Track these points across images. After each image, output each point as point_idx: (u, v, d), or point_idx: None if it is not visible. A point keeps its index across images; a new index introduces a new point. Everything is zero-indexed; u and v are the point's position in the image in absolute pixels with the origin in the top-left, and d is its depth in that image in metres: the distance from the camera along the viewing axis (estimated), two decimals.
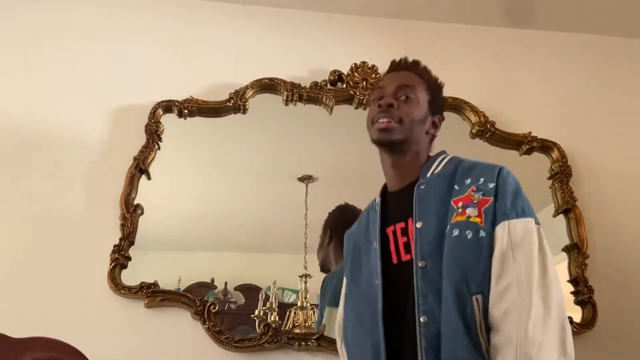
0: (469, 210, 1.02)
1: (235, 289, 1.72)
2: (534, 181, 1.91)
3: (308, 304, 1.67)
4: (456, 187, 1.08)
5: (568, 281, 1.72)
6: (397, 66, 1.26)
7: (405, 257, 1.08)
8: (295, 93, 1.90)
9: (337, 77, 1.95)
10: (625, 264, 1.78)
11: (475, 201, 1.03)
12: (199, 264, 1.75)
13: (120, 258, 1.57)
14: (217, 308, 1.56)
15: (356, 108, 1.93)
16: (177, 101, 1.83)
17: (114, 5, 2.04)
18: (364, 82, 1.94)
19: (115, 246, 1.59)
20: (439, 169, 1.16)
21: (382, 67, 1.96)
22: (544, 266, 0.98)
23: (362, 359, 1.08)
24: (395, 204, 1.17)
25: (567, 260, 1.75)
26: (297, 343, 1.56)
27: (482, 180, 1.06)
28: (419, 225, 1.06)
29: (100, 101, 1.84)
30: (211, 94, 1.88)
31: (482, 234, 1.00)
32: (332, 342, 1.56)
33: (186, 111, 1.83)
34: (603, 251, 1.77)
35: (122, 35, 1.98)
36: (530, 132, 1.93)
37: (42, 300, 1.53)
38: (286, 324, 1.63)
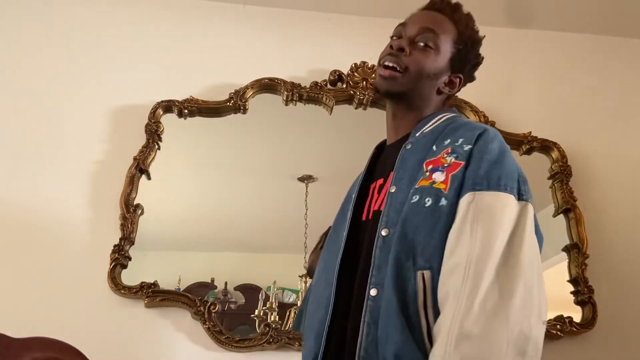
0: (435, 175, 0.89)
1: (235, 289, 1.72)
2: (534, 181, 1.88)
3: None
4: (434, 147, 0.94)
5: (568, 281, 1.72)
6: (432, 4, 1.09)
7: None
8: (295, 93, 1.90)
9: (337, 77, 1.95)
10: (625, 263, 1.78)
11: (445, 165, 0.89)
12: (199, 264, 1.75)
13: (120, 258, 1.57)
14: (217, 308, 1.56)
15: (356, 108, 1.93)
16: (177, 101, 1.83)
17: (114, 5, 2.04)
18: (364, 82, 1.94)
19: (115, 246, 1.58)
20: (431, 127, 1.02)
21: None
22: (514, 251, 0.80)
23: (315, 308, 1.00)
24: (384, 159, 1.06)
25: (567, 260, 1.75)
26: (297, 343, 1.55)
27: (460, 141, 0.92)
28: (392, 189, 0.93)
29: (100, 101, 1.84)
30: (211, 94, 1.88)
31: (443, 202, 0.85)
32: None
33: (186, 111, 1.83)
34: (603, 251, 1.77)
35: (122, 35, 1.98)
36: (530, 132, 1.93)
37: (42, 300, 1.53)
38: (286, 324, 1.63)
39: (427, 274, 0.82)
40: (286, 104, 1.91)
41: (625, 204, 1.89)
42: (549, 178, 1.89)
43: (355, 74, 1.96)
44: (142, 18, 2.03)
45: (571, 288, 1.71)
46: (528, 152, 1.92)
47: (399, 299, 0.81)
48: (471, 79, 1.12)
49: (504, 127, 1.94)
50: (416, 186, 0.90)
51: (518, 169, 0.93)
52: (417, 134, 1.02)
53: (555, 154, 1.90)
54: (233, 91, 1.87)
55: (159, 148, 1.77)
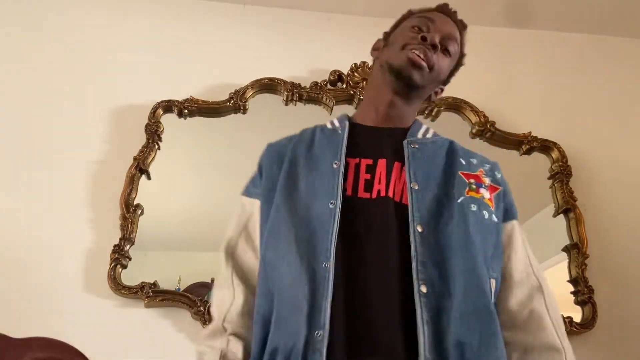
0: (482, 191, 0.97)
1: None
2: (534, 181, 1.91)
3: None
4: (462, 161, 1.01)
5: (568, 281, 1.72)
6: (449, 13, 1.13)
7: (363, 194, 0.94)
8: (295, 93, 1.90)
9: (337, 77, 1.95)
10: (625, 263, 1.78)
11: (485, 184, 0.98)
12: (199, 264, 1.74)
13: (120, 258, 1.57)
14: None
15: (356, 108, 1.93)
16: (177, 101, 1.83)
17: (114, 5, 2.04)
18: (364, 82, 1.94)
19: (115, 246, 1.58)
20: (429, 135, 1.07)
21: None
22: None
23: (288, 284, 0.88)
24: (366, 139, 1.04)
25: (567, 260, 1.75)
26: None
27: (487, 166, 1.03)
28: (415, 186, 0.93)
29: (100, 101, 1.84)
30: (211, 94, 1.88)
31: (495, 218, 0.96)
32: None
33: (186, 111, 1.83)
34: (603, 251, 1.77)
35: (122, 35, 1.98)
36: (530, 132, 1.93)
37: (42, 300, 1.53)
38: None
39: (493, 282, 0.91)
40: (286, 104, 1.91)
41: (625, 204, 1.89)
42: (549, 178, 1.89)
43: (355, 74, 1.95)
44: (142, 18, 2.03)
45: (571, 288, 1.71)
46: (528, 152, 1.92)
47: (480, 302, 0.85)
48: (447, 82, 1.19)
49: (504, 127, 1.94)
50: (466, 194, 0.95)
51: None
52: (418, 136, 1.05)
53: (555, 154, 1.90)
54: (233, 91, 1.87)
55: (159, 148, 1.77)
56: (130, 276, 1.57)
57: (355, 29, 2.10)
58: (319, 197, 0.93)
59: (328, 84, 1.94)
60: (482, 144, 1.93)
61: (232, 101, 1.86)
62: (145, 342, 1.52)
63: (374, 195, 0.94)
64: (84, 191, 1.69)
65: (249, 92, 1.88)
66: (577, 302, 1.69)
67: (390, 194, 0.93)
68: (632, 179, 1.94)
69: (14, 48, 1.91)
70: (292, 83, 1.91)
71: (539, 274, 0.99)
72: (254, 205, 1.06)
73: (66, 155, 1.74)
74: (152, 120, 1.79)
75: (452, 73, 1.15)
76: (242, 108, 1.86)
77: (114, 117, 1.82)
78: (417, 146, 1.01)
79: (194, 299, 1.56)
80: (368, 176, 0.96)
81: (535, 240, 1.86)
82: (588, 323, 1.65)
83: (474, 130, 1.93)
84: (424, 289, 0.83)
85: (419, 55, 1.02)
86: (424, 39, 1.03)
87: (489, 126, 1.92)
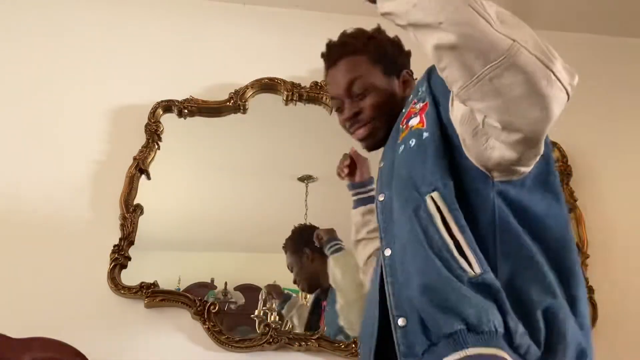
0: (411, 122, 0.93)
1: (235, 289, 1.72)
2: None
3: (308, 304, 1.67)
4: (403, 110, 1.01)
5: None
6: (330, 60, 1.15)
7: None
8: (295, 93, 1.90)
9: None
10: (625, 263, 1.78)
11: (416, 112, 0.93)
12: (199, 264, 1.74)
13: (120, 258, 1.57)
14: (217, 308, 1.56)
15: None
16: (177, 101, 1.83)
17: (114, 5, 2.04)
18: None
19: (115, 246, 1.58)
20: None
21: None
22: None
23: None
24: None
25: None
26: (297, 343, 1.55)
27: (419, 90, 0.97)
28: (380, 164, 0.99)
29: (100, 101, 1.83)
30: (211, 94, 1.88)
31: (425, 134, 0.87)
32: (332, 342, 1.56)
33: (186, 111, 1.83)
34: (603, 251, 1.77)
35: (122, 35, 1.98)
36: None
37: (42, 300, 1.53)
38: (285, 325, 1.63)
39: (435, 194, 0.81)
40: (286, 104, 1.91)
41: (626, 204, 1.89)
42: None
43: None
44: (142, 18, 2.03)
45: None
46: None
47: (413, 232, 0.80)
48: (409, 56, 1.17)
49: None
50: (398, 141, 0.94)
51: None
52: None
53: (555, 154, 1.90)
54: (233, 91, 1.87)
55: (158, 148, 1.77)
56: (130, 276, 1.57)
57: None
58: None
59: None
60: None
61: (232, 101, 1.86)
62: (145, 342, 1.52)
63: None
64: (84, 191, 1.69)
65: (249, 92, 1.88)
66: None
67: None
68: (632, 179, 1.94)
69: (14, 48, 1.91)
70: (292, 83, 1.91)
71: None
72: None
73: (66, 155, 1.74)
74: (152, 120, 1.79)
75: (390, 60, 1.12)
76: (242, 108, 1.86)
77: (114, 117, 1.82)
78: (394, 133, 1.02)
79: (194, 299, 1.56)
80: None
81: None
82: None
83: None
84: (387, 252, 0.84)
85: (359, 133, 1.09)
86: (346, 120, 1.10)
87: None
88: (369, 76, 1.09)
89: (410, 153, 0.88)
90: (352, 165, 1.25)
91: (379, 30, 1.17)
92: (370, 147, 1.10)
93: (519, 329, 0.72)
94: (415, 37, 0.77)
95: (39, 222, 1.64)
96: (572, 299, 0.80)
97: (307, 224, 1.73)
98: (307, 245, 1.69)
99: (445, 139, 0.86)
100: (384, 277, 0.83)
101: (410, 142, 0.89)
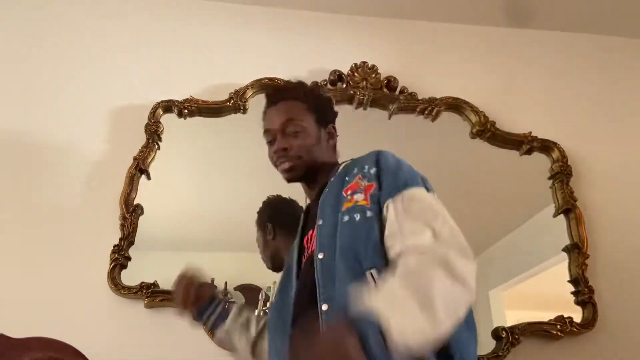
0: (356, 196, 1.05)
1: (235, 289, 1.71)
2: (534, 181, 1.91)
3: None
4: (347, 178, 1.11)
5: (568, 281, 1.72)
6: (272, 99, 1.27)
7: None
8: None
9: (337, 77, 1.94)
10: (625, 263, 1.78)
11: (361, 188, 1.06)
12: (199, 264, 1.74)
13: (120, 258, 1.57)
14: None
15: (356, 108, 1.93)
16: (177, 101, 1.83)
17: (114, 5, 2.04)
18: (364, 82, 1.94)
19: (115, 246, 1.58)
20: (337, 172, 1.18)
21: (382, 67, 1.97)
22: (436, 211, 0.98)
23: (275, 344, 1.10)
24: (311, 214, 1.19)
25: (568, 261, 1.74)
26: None
27: (365, 167, 1.09)
28: (319, 222, 1.08)
29: (100, 101, 1.84)
30: (211, 94, 1.88)
31: (370, 214, 1.01)
32: None
33: (186, 111, 1.83)
34: (603, 251, 1.77)
35: (122, 35, 1.98)
36: (530, 132, 1.93)
37: (42, 300, 1.53)
38: None
39: (374, 272, 0.94)
40: None
41: (626, 204, 1.89)
42: (549, 178, 1.89)
43: (355, 74, 1.95)
44: (142, 18, 2.03)
45: (571, 288, 1.71)
46: (528, 152, 1.92)
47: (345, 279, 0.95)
48: (335, 115, 1.32)
49: (504, 127, 1.94)
50: (342, 209, 1.05)
51: (418, 172, 1.09)
52: (331, 180, 1.17)
53: (555, 154, 1.90)
54: (233, 91, 1.87)
55: (158, 148, 1.77)
56: (130, 276, 1.57)
57: (355, 29, 2.10)
58: (288, 286, 1.12)
59: (328, 84, 1.94)
60: (482, 144, 1.93)
61: (232, 101, 1.86)
62: (145, 342, 1.52)
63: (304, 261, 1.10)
64: (84, 191, 1.69)
65: (249, 92, 1.88)
66: (577, 302, 1.69)
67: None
68: (632, 179, 1.94)
69: (14, 48, 1.91)
70: None
71: (404, 242, 0.94)
72: None
73: (66, 155, 1.74)
74: (152, 120, 1.79)
75: (322, 113, 1.26)
76: (242, 108, 1.86)
77: (113, 117, 1.82)
78: (327, 190, 1.14)
79: None
80: (311, 244, 1.10)
81: (535, 241, 1.87)
82: (588, 323, 1.65)
83: (474, 130, 1.93)
84: (324, 306, 0.95)
85: (284, 166, 1.20)
86: (275, 152, 1.21)
87: (489, 126, 1.92)
88: (303, 121, 1.21)
89: (356, 227, 1.00)
90: (189, 292, 1.23)
91: (317, 86, 1.36)
92: (290, 180, 1.22)
93: None
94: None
95: (39, 222, 1.64)
96: None
97: (279, 196, 1.67)
98: (270, 220, 1.63)
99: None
100: (320, 327, 0.93)
101: (356, 216, 1.02)
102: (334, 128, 1.29)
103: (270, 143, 1.24)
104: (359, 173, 1.10)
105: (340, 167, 1.20)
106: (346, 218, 1.03)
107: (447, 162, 1.90)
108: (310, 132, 1.22)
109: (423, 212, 0.97)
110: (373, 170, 1.08)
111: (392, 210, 0.99)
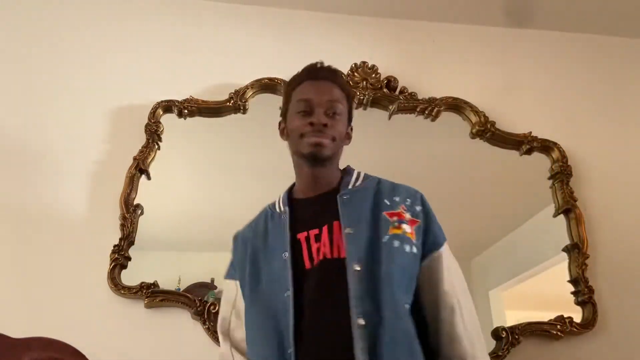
0: (404, 227, 1.10)
1: None
2: (534, 181, 1.91)
3: None
4: (386, 201, 1.14)
5: (568, 281, 1.72)
6: (319, 74, 1.23)
7: (309, 266, 1.08)
8: None
9: None
10: (625, 263, 1.78)
11: (406, 219, 1.11)
12: (199, 264, 1.74)
13: (120, 258, 1.57)
14: (217, 308, 1.55)
15: (356, 108, 1.93)
16: (177, 101, 1.83)
17: (114, 5, 2.04)
18: (364, 82, 1.94)
19: (115, 246, 1.58)
20: (359, 182, 1.19)
21: (382, 67, 1.97)
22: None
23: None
24: (306, 211, 1.16)
25: (568, 261, 1.74)
26: None
27: (409, 201, 1.15)
28: (349, 231, 1.07)
29: (100, 101, 1.84)
30: (211, 94, 1.88)
31: (415, 250, 1.09)
32: None
33: (186, 111, 1.83)
34: (603, 251, 1.77)
35: (122, 35, 1.98)
36: (530, 132, 1.93)
37: (42, 300, 1.53)
38: None
39: (408, 307, 1.04)
40: None
41: (626, 204, 1.89)
42: (549, 178, 1.89)
43: (355, 74, 1.95)
44: (142, 18, 2.03)
45: (571, 288, 1.71)
46: (528, 152, 1.92)
47: (413, 326, 1.02)
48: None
49: (504, 127, 1.94)
50: (390, 232, 1.08)
51: None
52: (348, 187, 1.17)
53: (555, 154, 1.90)
54: (233, 91, 1.87)
55: (158, 148, 1.77)
56: (130, 276, 1.57)
57: (355, 29, 2.10)
58: (277, 289, 1.06)
59: None
60: (482, 144, 1.93)
61: (232, 101, 1.86)
62: (145, 342, 1.52)
63: (315, 263, 1.07)
64: (83, 191, 1.69)
65: (249, 92, 1.88)
66: (577, 302, 1.69)
67: (335, 254, 1.06)
68: (632, 179, 1.94)
69: (14, 48, 1.91)
70: None
71: (459, 293, 1.12)
72: (237, 286, 1.20)
73: (66, 155, 1.74)
74: (152, 120, 1.79)
75: (351, 109, 1.26)
76: (242, 108, 1.86)
77: (113, 117, 1.82)
78: (347, 196, 1.14)
79: (194, 299, 1.56)
80: (318, 245, 1.09)
81: (535, 241, 1.87)
82: (588, 323, 1.65)
83: (474, 130, 1.93)
84: (361, 321, 0.97)
85: (317, 140, 1.14)
86: (312, 124, 1.15)
87: (489, 126, 1.92)
88: (342, 108, 1.20)
89: (407, 258, 1.07)
90: None
91: (348, 85, 1.36)
92: (315, 155, 1.15)
93: None
94: None
95: (39, 222, 1.64)
96: None
97: None
98: None
99: None
100: (355, 342, 0.95)
101: (406, 246, 1.08)
102: (352, 129, 1.28)
103: (306, 113, 1.17)
104: (401, 203, 1.13)
105: (357, 177, 1.20)
106: (396, 244, 1.06)
107: (447, 162, 1.90)
108: (344, 122, 1.21)
109: (458, 270, 1.16)
110: (419, 208, 1.14)
111: (444, 263, 1.12)
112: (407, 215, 1.11)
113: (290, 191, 1.24)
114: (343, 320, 0.98)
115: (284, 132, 1.25)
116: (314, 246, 1.09)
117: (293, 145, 1.20)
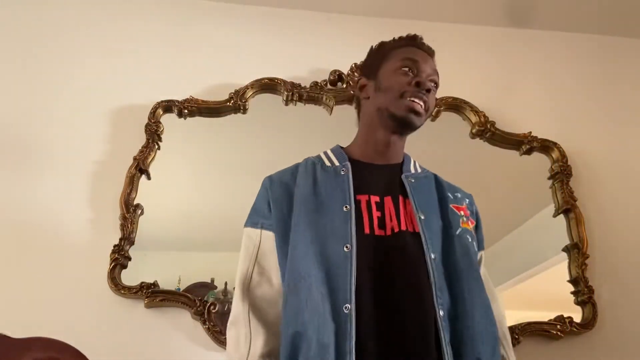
0: (470, 224, 1.11)
1: None
2: (534, 181, 1.91)
3: None
4: (450, 195, 1.13)
5: (568, 281, 1.72)
6: (423, 45, 1.20)
7: (378, 232, 1.00)
8: (295, 93, 1.90)
9: (337, 77, 1.94)
10: (625, 263, 1.78)
11: (469, 216, 1.13)
12: (199, 264, 1.74)
13: (120, 258, 1.57)
14: (217, 308, 1.56)
15: (356, 108, 1.93)
16: (177, 101, 1.83)
17: (114, 5, 2.04)
18: None
19: (115, 246, 1.58)
20: (418, 169, 1.19)
21: None
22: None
23: (318, 331, 0.91)
24: (369, 175, 1.10)
25: (567, 260, 1.75)
26: None
27: (467, 200, 1.17)
28: (423, 216, 1.03)
29: (100, 101, 1.84)
30: (211, 94, 1.88)
31: (475, 247, 1.11)
32: None
33: (186, 111, 1.83)
34: (603, 251, 1.77)
35: (122, 35, 1.98)
36: (530, 132, 1.93)
37: (42, 300, 1.53)
38: None
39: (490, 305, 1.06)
40: (286, 104, 1.91)
41: (626, 203, 1.89)
42: (549, 178, 1.89)
43: (356, 74, 1.95)
44: (142, 18, 2.03)
45: (571, 288, 1.71)
46: (528, 152, 1.92)
47: (489, 322, 1.00)
48: None
49: (504, 127, 1.94)
50: (462, 226, 1.08)
51: None
52: (411, 171, 1.15)
53: (555, 154, 1.90)
54: (233, 91, 1.87)
55: (159, 148, 1.77)
56: (130, 276, 1.57)
57: (355, 29, 2.10)
58: (333, 241, 0.98)
59: (328, 84, 1.94)
60: (482, 144, 1.93)
61: (232, 101, 1.86)
62: (145, 342, 1.52)
63: (388, 232, 1.01)
64: (83, 191, 1.69)
65: (249, 92, 1.88)
66: (577, 302, 1.69)
67: (404, 227, 1.01)
68: (632, 179, 1.94)
69: (14, 48, 1.91)
70: (292, 83, 1.91)
71: (497, 300, 1.15)
72: (264, 237, 1.10)
73: (66, 155, 1.74)
74: (152, 120, 1.79)
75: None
76: (242, 108, 1.86)
77: (114, 117, 1.82)
78: (413, 180, 1.11)
79: (194, 299, 1.56)
80: (379, 213, 1.02)
81: (535, 240, 1.87)
82: (588, 323, 1.65)
83: (474, 130, 1.93)
84: (441, 312, 0.93)
85: (420, 104, 1.09)
86: (418, 84, 1.09)
87: (489, 126, 1.92)
88: (436, 87, 1.19)
89: (475, 255, 1.08)
90: None
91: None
92: (406, 124, 1.11)
93: None
94: None
95: (39, 222, 1.64)
96: None
97: None
98: None
99: None
100: (441, 333, 0.91)
101: (474, 243, 1.09)
102: None
103: (411, 73, 1.12)
104: (463, 201, 1.15)
105: (415, 164, 1.20)
106: (469, 239, 1.07)
107: (447, 162, 1.89)
108: (435, 99, 1.20)
109: (487, 276, 1.18)
110: (474, 209, 1.17)
111: (483, 267, 1.16)
112: (469, 213, 1.13)
113: (343, 152, 1.17)
114: (428, 304, 0.93)
115: (364, 88, 1.20)
116: (375, 213, 1.02)
117: (383, 103, 1.12)
